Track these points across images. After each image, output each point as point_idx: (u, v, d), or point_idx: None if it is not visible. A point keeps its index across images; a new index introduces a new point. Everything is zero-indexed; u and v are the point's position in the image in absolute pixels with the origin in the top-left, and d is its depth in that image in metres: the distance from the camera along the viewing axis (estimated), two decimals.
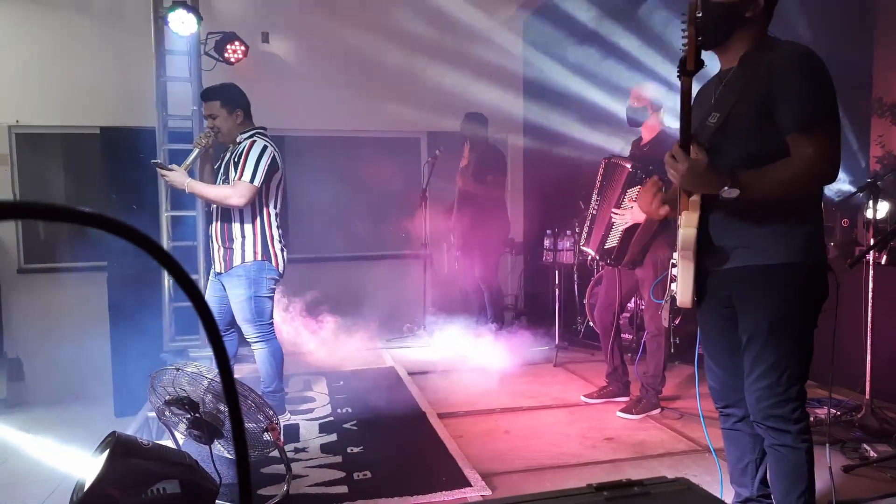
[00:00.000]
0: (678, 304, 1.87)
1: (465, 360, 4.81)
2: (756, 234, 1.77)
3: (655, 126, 3.52)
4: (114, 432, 2.06)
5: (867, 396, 3.17)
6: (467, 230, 5.10)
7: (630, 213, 3.30)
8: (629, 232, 3.35)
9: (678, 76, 1.71)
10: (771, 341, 1.80)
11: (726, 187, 1.66)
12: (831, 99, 1.73)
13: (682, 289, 1.83)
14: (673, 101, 3.60)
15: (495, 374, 4.40)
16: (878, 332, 3.18)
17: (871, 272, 3.17)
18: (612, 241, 3.44)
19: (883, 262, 3.17)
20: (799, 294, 1.79)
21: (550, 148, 5.98)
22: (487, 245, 5.09)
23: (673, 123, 3.55)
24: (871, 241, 3.17)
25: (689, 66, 1.67)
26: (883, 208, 3.15)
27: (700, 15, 1.69)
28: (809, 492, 1.83)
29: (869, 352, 3.19)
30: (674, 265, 1.86)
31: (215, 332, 0.48)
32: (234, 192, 3.08)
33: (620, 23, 5.38)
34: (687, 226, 1.79)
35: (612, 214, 3.39)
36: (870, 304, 3.17)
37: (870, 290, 3.17)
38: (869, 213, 3.18)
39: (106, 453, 1.95)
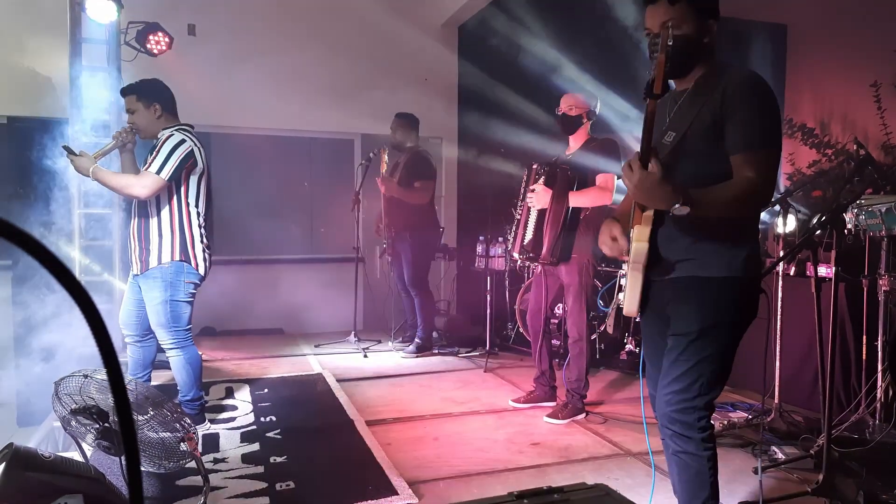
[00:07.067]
0: (625, 312, 1.91)
1: (396, 367, 4.77)
2: (700, 249, 1.83)
3: (583, 135, 3.57)
4: (11, 444, 1.90)
5: (776, 400, 3.35)
6: (396, 236, 5.05)
7: (536, 196, 3.43)
8: (540, 220, 3.45)
9: (644, 98, 1.74)
10: (693, 347, 1.83)
11: (677, 205, 1.68)
12: (776, 123, 1.80)
13: (630, 298, 1.87)
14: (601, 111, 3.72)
15: (426, 379, 4.38)
16: (785, 338, 3.37)
17: (780, 282, 3.37)
18: (529, 234, 3.52)
19: (792, 273, 3.36)
20: (732, 307, 1.83)
21: (485, 155, 6.03)
22: (417, 250, 5.05)
23: (599, 133, 3.66)
24: (781, 254, 3.37)
25: (656, 90, 1.70)
26: (791, 222, 3.34)
27: (671, 43, 1.73)
28: (713, 499, 1.86)
29: (778, 358, 3.38)
30: (622, 275, 1.90)
31: (100, 327, 0.43)
32: (137, 182, 2.92)
33: (555, 35, 5.52)
34: (639, 240, 1.83)
35: (526, 201, 3.53)
36: (779, 313, 3.36)
37: (779, 299, 3.36)
38: (779, 228, 3.37)
39: (1, 466, 1.81)
